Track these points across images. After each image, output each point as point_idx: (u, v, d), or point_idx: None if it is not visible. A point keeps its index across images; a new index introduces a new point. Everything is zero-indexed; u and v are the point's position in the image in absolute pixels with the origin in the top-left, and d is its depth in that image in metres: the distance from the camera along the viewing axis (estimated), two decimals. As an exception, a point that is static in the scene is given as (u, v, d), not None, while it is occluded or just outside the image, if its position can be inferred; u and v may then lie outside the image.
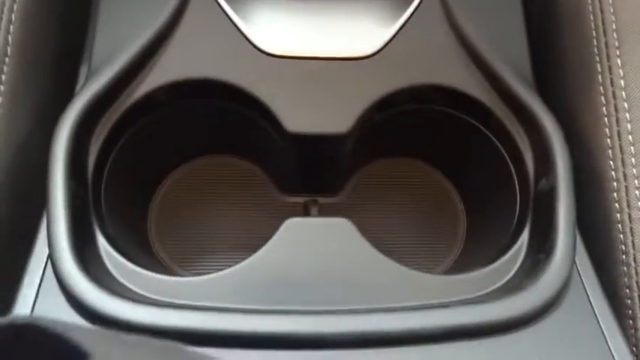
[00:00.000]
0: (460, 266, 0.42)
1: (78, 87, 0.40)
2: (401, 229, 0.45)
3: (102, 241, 0.34)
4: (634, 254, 0.33)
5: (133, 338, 0.20)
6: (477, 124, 0.39)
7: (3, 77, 0.35)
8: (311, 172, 0.42)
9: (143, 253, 0.41)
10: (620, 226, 0.34)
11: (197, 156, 0.45)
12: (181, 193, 0.45)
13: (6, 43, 0.36)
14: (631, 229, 0.34)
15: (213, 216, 0.44)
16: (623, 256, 0.34)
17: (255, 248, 0.35)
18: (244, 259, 0.34)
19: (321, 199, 0.44)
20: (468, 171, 0.44)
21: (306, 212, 0.44)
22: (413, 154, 0.46)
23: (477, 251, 0.41)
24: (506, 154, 0.39)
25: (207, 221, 0.44)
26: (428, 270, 0.42)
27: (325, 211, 0.44)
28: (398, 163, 0.46)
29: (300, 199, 0.44)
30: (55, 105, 0.37)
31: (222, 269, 0.33)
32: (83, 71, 0.40)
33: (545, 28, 0.43)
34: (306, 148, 0.38)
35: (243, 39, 0.37)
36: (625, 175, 0.36)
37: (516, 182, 0.38)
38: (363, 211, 0.45)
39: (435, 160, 0.46)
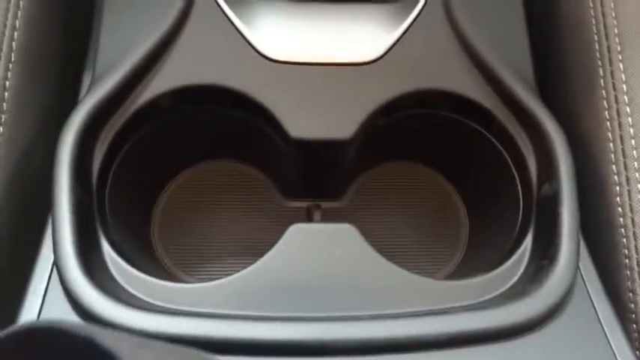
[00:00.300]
0: (463, 270, 0.42)
1: (82, 92, 0.40)
2: (404, 233, 0.45)
3: (106, 248, 0.34)
4: (637, 258, 0.34)
5: (158, 344, 0.20)
6: (479, 128, 0.39)
7: (7, 83, 0.35)
8: (314, 176, 0.43)
9: (146, 258, 0.41)
10: (623, 230, 0.34)
11: (200, 160, 0.46)
12: (184, 198, 0.45)
13: (10, 49, 0.36)
14: (634, 233, 0.34)
15: (216, 221, 0.44)
16: (627, 260, 0.34)
17: (258, 253, 0.35)
18: (248, 264, 0.34)
19: (324, 204, 0.44)
20: (470, 175, 0.44)
21: (309, 217, 0.44)
22: (416, 158, 0.46)
23: (480, 255, 0.41)
24: (509, 159, 0.39)
25: (211, 226, 0.44)
26: (430, 274, 0.42)
27: (328, 216, 0.44)
28: (401, 167, 0.46)
29: (303, 204, 0.45)
30: (59, 110, 0.38)
31: (225, 275, 0.33)
32: (87, 76, 0.40)
33: (546, 33, 0.43)
34: (309, 153, 0.38)
35: (247, 45, 0.37)
36: (628, 179, 0.36)
37: (519, 187, 0.38)
38: (366, 216, 0.45)
39: (437, 164, 0.46)
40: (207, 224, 0.44)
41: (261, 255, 0.34)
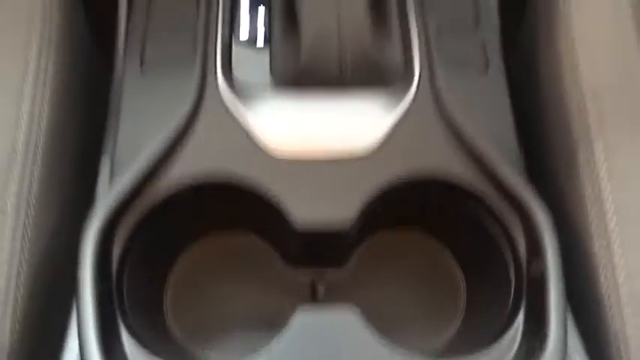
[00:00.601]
0: (461, 338, 0.44)
1: (100, 181, 0.43)
2: (404, 300, 0.47)
3: (125, 336, 0.36)
4: (624, 337, 0.35)
5: None
6: (473, 210, 0.42)
7: (34, 185, 0.38)
8: (317, 252, 0.45)
9: (160, 337, 0.43)
10: (608, 308, 0.37)
11: (206, 234, 0.48)
12: (193, 273, 0.47)
13: (36, 149, 0.39)
14: (619, 310, 0.36)
15: (224, 294, 0.46)
16: (614, 339, 0.36)
17: (267, 327, 0.36)
18: (257, 338, 0.36)
19: (329, 271, 0.46)
20: (467, 245, 0.46)
21: (313, 291, 0.46)
22: (417, 225, 0.48)
23: (477, 327, 0.43)
24: (500, 238, 0.41)
25: (219, 300, 0.46)
26: (430, 343, 0.44)
27: (332, 287, 0.46)
28: (402, 233, 0.48)
29: (308, 274, 0.46)
30: (80, 202, 0.40)
31: (237, 352, 0.35)
32: (105, 164, 0.43)
33: (531, 114, 0.46)
34: (312, 241, 0.41)
35: (253, 142, 0.40)
36: (611, 256, 0.38)
37: (510, 265, 0.40)
38: (367, 284, 0.47)
39: (434, 232, 0.48)
40: (216, 298, 0.46)
41: (270, 329, 0.36)
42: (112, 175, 0.41)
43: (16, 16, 0.43)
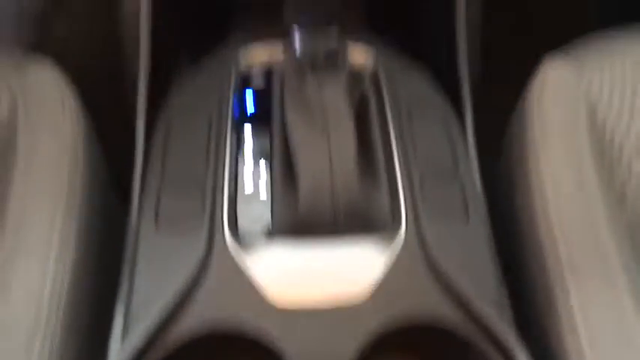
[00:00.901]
0: None
1: (114, 330, 0.46)
2: None
3: None
4: None
5: None
6: (462, 350, 0.45)
7: (55, 344, 0.41)
8: None
9: None
10: None
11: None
12: None
13: (58, 310, 0.43)
14: None
15: None
16: None
17: None
18: None
19: None
20: None
21: None
22: (411, 351, 0.50)
23: None
24: None
25: None
26: None
27: None
28: (398, 357, 0.50)
29: None
30: (94, 347, 0.43)
31: None
32: (118, 318, 0.46)
33: (514, 262, 0.50)
34: None
35: (257, 293, 0.44)
36: (593, 398, 0.41)
37: None
38: None
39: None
40: None
41: None
42: (126, 324, 0.44)
43: (44, 179, 0.49)
